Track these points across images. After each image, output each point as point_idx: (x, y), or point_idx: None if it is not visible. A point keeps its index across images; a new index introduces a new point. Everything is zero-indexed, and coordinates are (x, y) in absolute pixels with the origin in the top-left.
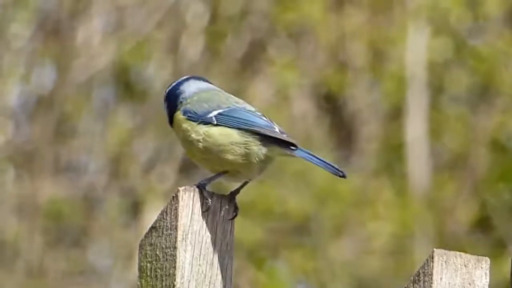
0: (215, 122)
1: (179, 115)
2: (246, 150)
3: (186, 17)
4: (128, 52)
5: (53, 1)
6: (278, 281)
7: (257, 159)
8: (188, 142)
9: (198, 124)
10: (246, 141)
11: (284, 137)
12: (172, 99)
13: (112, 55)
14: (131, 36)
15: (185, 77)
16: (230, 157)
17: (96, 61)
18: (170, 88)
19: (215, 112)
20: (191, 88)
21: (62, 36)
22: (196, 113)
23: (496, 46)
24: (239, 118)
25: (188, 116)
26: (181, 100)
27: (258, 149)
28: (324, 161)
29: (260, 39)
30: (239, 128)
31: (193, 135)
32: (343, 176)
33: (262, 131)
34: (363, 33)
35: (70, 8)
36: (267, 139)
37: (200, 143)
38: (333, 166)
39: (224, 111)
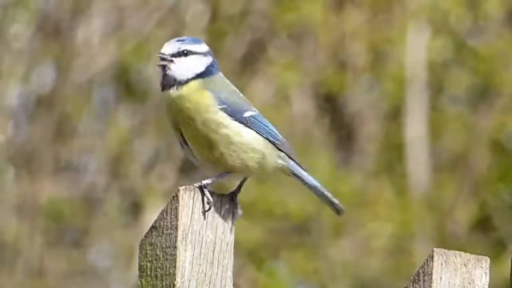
0: (248, 124)
1: (208, 97)
2: (262, 159)
3: (186, 17)
4: (128, 52)
5: (53, 2)
6: (278, 281)
7: (266, 170)
8: (211, 131)
9: (233, 120)
10: (267, 152)
11: (297, 160)
12: (209, 68)
13: (112, 55)
14: (131, 36)
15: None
16: (248, 162)
17: (96, 61)
18: (205, 51)
19: (248, 113)
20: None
21: (62, 36)
22: (231, 108)
23: (496, 47)
24: (268, 128)
25: (224, 107)
26: (210, 74)
27: (271, 162)
28: (327, 196)
29: (260, 39)
30: (266, 138)
31: (223, 130)
32: (340, 213)
33: (281, 147)
34: (363, 33)
35: (70, 8)
36: (281, 155)
37: (227, 139)
38: (334, 203)
39: (255, 115)
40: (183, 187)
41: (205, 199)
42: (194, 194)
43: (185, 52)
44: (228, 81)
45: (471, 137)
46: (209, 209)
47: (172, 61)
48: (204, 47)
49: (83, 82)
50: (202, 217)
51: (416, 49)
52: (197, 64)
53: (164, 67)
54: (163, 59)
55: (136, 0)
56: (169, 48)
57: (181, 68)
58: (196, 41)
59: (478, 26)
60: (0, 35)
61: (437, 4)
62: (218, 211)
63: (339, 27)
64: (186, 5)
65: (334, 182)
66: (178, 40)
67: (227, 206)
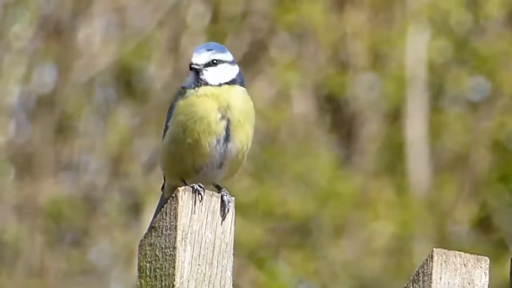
0: None
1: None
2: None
3: (187, 17)
4: (129, 52)
5: (54, 2)
6: (279, 281)
7: None
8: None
9: None
10: None
11: None
12: (239, 76)
13: (113, 55)
14: (132, 36)
15: None
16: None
17: (97, 61)
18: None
19: None
20: None
21: (63, 36)
22: None
23: (496, 47)
24: None
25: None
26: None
27: None
28: None
29: (261, 39)
30: None
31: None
32: None
33: None
34: (364, 33)
35: (71, 8)
36: None
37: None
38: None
39: None
40: (183, 187)
41: (197, 193)
42: (193, 194)
43: (215, 61)
44: None
45: (472, 137)
46: (202, 199)
47: (206, 70)
48: (230, 56)
49: (84, 82)
50: (201, 217)
51: (417, 49)
52: (227, 72)
53: (197, 72)
54: (196, 69)
55: (137, 0)
56: (200, 58)
57: (212, 75)
58: (223, 50)
59: (479, 27)
60: (1, 34)
61: (438, 4)
62: (218, 211)
63: (339, 27)
64: (187, 5)
65: (335, 182)
66: (208, 50)
67: (227, 208)
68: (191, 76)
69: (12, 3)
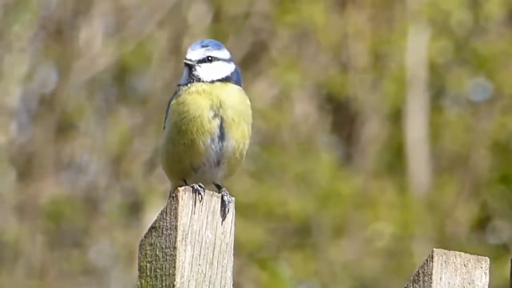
0: None
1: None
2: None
3: (188, 18)
4: (130, 52)
5: (55, 2)
6: (280, 281)
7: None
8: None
9: None
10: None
11: None
12: (234, 74)
13: (114, 55)
14: (132, 37)
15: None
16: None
17: (98, 61)
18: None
19: None
20: None
21: (64, 36)
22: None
23: (497, 47)
24: None
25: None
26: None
27: None
28: None
29: (262, 40)
30: None
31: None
32: None
33: None
34: (364, 34)
35: (72, 9)
36: None
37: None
38: None
39: None
40: (183, 187)
41: (197, 193)
42: (193, 194)
43: (209, 58)
44: None
45: (472, 138)
46: (202, 199)
47: (199, 66)
48: (226, 53)
49: (85, 82)
50: (202, 217)
51: (417, 49)
52: (222, 69)
53: (190, 68)
54: (189, 65)
55: (137, 0)
56: (194, 54)
57: (206, 72)
58: (220, 47)
59: (479, 27)
60: (2, 35)
61: (438, 4)
62: (218, 211)
63: (340, 28)
64: (188, 6)
65: (336, 183)
66: (203, 46)
67: (227, 208)
68: (184, 72)
69: (12, 3)
